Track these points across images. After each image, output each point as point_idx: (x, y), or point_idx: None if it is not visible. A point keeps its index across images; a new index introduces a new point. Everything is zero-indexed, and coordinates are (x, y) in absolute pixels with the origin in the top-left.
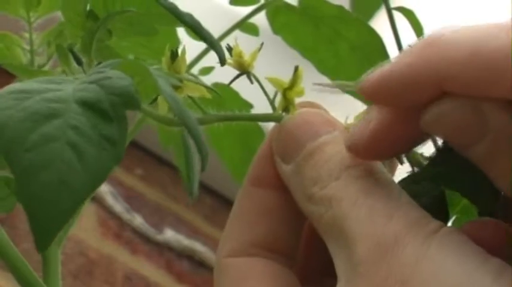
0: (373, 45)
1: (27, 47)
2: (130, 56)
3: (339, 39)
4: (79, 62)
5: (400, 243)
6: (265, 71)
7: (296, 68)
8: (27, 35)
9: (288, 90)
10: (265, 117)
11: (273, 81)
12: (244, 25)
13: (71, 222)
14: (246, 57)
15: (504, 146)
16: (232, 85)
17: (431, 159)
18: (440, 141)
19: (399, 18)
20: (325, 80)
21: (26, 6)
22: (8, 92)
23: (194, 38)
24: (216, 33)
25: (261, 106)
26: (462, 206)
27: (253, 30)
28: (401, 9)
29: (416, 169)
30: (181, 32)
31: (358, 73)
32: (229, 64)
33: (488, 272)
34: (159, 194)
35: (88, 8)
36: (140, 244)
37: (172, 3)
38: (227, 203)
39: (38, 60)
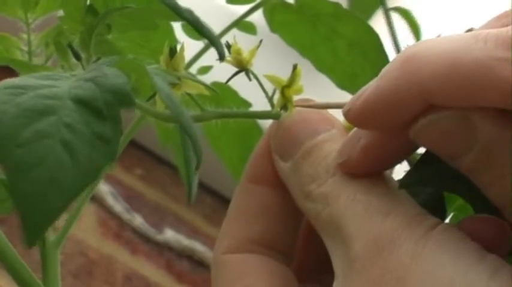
0: (370, 42)
1: (25, 48)
2: (129, 56)
3: (336, 36)
4: (78, 57)
5: (397, 240)
6: (263, 69)
7: (295, 67)
8: (25, 36)
9: (287, 88)
10: (264, 115)
11: (271, 79)
12: (242, 24)
13: (71, 222)
14: (245, 54)
15: (493, 156)
16: (231, 84)
17: (419, 160)
18: None
19: (397, 19)
20: (323, 77)
21: (23, 7)
22: (3, 87)
23: (192, 37)
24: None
25: (259, 105)
26: (459, 203)
27: (250, 28)
28: (398, 10)
29: None
30: (178, 31)
31: (356, 70)
32: (228, 61)
33: (484, 269)
34: (159, 194)
35: (88, 2)
36: (140, 244)
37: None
38: (227, 203)
39: (36, 61)
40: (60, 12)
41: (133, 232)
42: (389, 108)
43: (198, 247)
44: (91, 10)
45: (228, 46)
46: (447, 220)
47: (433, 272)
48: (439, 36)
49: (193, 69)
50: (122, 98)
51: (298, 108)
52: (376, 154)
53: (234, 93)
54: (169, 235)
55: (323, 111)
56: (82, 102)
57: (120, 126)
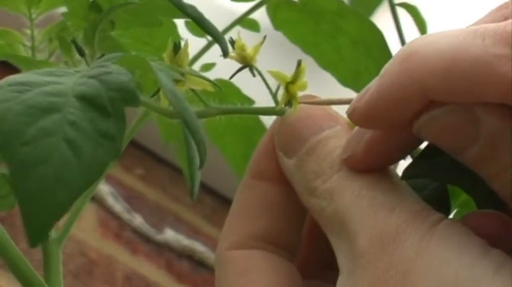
0: (373, 39)
1: (29, 44)
2: (133, 52)
3: (339, 34)
4: (81, 53)
5: (402, 235)
6: (265, 66)
7: (299, 62)
8: (28, 31)
9: (291, 84)
10: (268, 111)
11: (275, 75)
12: (245, 21)
13: (72, 221)
14: (249, 50)
15: (497, 149)
16: (233, 82)
17: (420, 153)
18: None
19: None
20: (326, 75)
21: (27, 3)
22: (7, 84)
23: (195, 35)
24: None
25: (262, 103)
26: (463, 199)
27: (253, 26)
28: (405, 5)
29: None
30: (182, 28)
31: (359, 68)
32: (232, 57)
33: (489, 264)
34: (159, 194)
35: None
36: (140, 244)
37: None
38: (227, 203)
39: (39, 56)
40: (64, 8)
41: (133, 232)
42: (392, 107)
43: (198, 247)
44: (95, 6)
45: (232, 42)
46: (450, 216)
47: (438, 266)
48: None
49: (196, 67)
50: (126, 95)
51: (302, 105)
52: (380, 149)
53: (237, 91)
54: (169, 235)
55: (327, 107)
56: (86, 100)
57: (124, 123)
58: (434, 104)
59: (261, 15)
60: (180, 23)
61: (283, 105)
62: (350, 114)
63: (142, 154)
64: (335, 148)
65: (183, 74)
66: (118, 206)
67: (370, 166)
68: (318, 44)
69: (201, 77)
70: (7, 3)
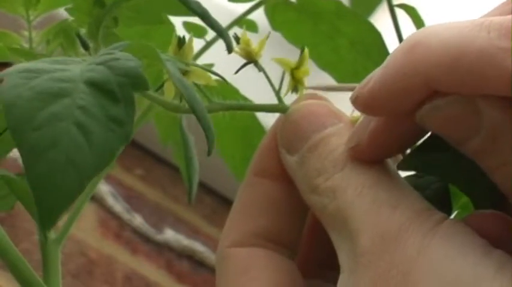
0: (372, 40)
1: (27, 45)
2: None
3: (337, 34)
4: (86, 47)
5: (404, 234)
6: (264, 66)
7: (302, 49)
8: (26, 33)
9: (295, 70)
10: (271, 108)
11: (280, 61)
12: (243, 22)
13: (71, 221)
14: (254, 45)
15: (498, 142)
16: (231, 82)
17: (420, 144)
18: None
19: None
20: (325, 75)
21: (25, 4)
22: (16, 71)
23: (194, 35)
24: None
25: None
26: (464, 201)
27: (252, 26)
28: (404, 6)
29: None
30: (180, 30)
31: (358, 68)
32: (237, 53)
33: (491, 264)
34: (159, 194)
35: None
36: (140, 244)
37: None
38: (227, 203)
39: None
40: (62, 10)
41: (133, 232)
42: (395, 95)
43: (198, 247)
44: (99, 2)
45: (237, 38)
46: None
47: (440, 266)
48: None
49: None
50: (135, 81)
51: (305, 102)
52: (384, 139)
53: (235, 91)
54: (169, 235)
55: (330, 105)
56: (95, 85)
57: (134, 108)
58: (437, 94)
59: (258, 16)
60: (178, 24)
61: (290, 91)
62: (354, 100)
63: (142, 154)
64: (337, 146)
65: (188, 66)
66: (118, 206)
67: (375, 155)
68: (316, 44)
69: (206, 70)
70: (5, 5)
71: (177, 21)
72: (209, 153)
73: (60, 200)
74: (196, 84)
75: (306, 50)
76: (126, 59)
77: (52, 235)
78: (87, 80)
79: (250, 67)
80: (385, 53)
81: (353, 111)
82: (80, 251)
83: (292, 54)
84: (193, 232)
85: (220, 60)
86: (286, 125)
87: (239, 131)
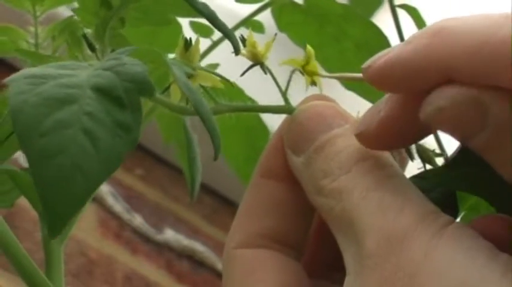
0: (378, 43)
1: (32, 41)
2: None
3: (344, 37)
4: (92, 49)
5: (410, 237)
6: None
7: (306, 47)
8: (32, 29)
9: (306, 66)
10: (277, 109)
11: (289, 62)
12: (250, 23)
13: (74, 220)
14: (260, 47)
15: (504, 138)
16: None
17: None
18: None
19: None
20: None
21: (31, 0)
22: (22, 77)
23: (200, 35)
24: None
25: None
26: (471, 203)
27: (258, 27)
28: (405, 7)
29: (427, 165)
30: (186, 29)
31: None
32: (243, 55)
33: (496, 268)
34: (159, 194)
35: None
36: (140, 244)
37: None
38: (227, 203)
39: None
40: (67, 7)
41: (133, 232)
42: (410, 74)
43: (198, 247)
44: (105, 3)
45: (243, 39)
46: (458, 219)
47: (445, 269)
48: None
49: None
50: (142, 86)
51: (311, 104)
52: (393, 127)
53: (241, 92)
54: (169, 235)
55: (337, 106)
56: (102, 91)
57: (140, 114)
58: (444, 90)
59: (264, 17)
60: (185, 24)
61: (309, 84)
62: (365, 69)
63: (142, 154)
64: (344, 147)
65: (194, 69)
66: (118, 206)
67: (381, 144)
68: (322, 46)
69: (212, 73)
70: (12, 1)
71: (184, 21)
72: (215, 157)
73: (68, 206)
74: (202, 86)
75: (309, 47)
76: (133, 64)
77: None
78: (93, 86)
79: (256, 69)
80: None
81: (358, 112)
82: (80, 251)
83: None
84: (193, 232)
85: (226, 61)
86: (293, 126)
87: (243, 131)
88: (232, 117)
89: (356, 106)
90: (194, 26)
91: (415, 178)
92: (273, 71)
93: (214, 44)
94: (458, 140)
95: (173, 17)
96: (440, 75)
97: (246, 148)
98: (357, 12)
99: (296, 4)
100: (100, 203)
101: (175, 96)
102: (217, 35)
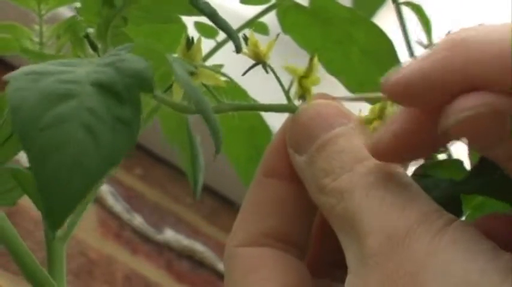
0: (383, 47)
1: (37, 40)
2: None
3: (348, 41)
4: (94, 48)
5: (412, 235)
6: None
7: (312, 57)
8: (37, 27)
9: (304, 79)
10: (280, 108)
11: (289, 69)
12: (254, 24)
13: (76, 219)
14: (262, 47)
15: None
16: (240, 84)
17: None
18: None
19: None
20: (333, 80)
21: None
22: (22, 73)
23: (204, 35)
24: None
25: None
26: (476, 202)
27: (263, 29)
28: (409, 4)
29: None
30: (190, 29)
31: (367, 75)
32: (245, 54)
33: (499, 268)
34: (159, 194)
35: None
36: (140, 244)
37: None
38: (227, 203)
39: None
40: (71, 7)
41: (133, 232)
42: (430, 86)
43: (198, 247)
44: (107, 2)
45: (246, 38)
46: (463, 218)
47: (448, 269)
48: (449, 32)
49: None
50: (141, 82)
51: (314, 103)
52: (406, 141)
53: (243, 92)
54: (169, 235)
55: (339, 105)
56: (102, 86)
57: (140, 110)
58: (462, 103)
59: (269, 19)
60: (189, 24)
61: (297, 100)
62: (384, 84)
63: (141, 153)
64: (346, 146)
65: (196, 68)
66: (118, 206)
67: (394, 157)
68: (326, 49)
69: (214, 71)
70: None
71: (189, 22)
72: (217, 152)
73: (67, 202)
74: (205, 85)
75: (316, 58)
76: (133, 61)
77: (58, 232)
78: (94, 81)
79: (259, 69)
80: (396, 61)
81: (360, 111)
82: (80, 251)
83: (299, 56)
84: (193, 232)
85: (230, 61)
86: (295, 125)
87: (245, 131)
88: (234, 117)
89: (358, 105)
90: (198, 27)
91: (416, 176)
92: (276, 71)
93: (219, 45)
94: (477, 150)
95: (177, 17)
96: (461, 86)
97: (248, 148)
98: (363, 15)
99: (301, 6)
100: (100, 203)
101: (177, 95)
102: (221, 36)
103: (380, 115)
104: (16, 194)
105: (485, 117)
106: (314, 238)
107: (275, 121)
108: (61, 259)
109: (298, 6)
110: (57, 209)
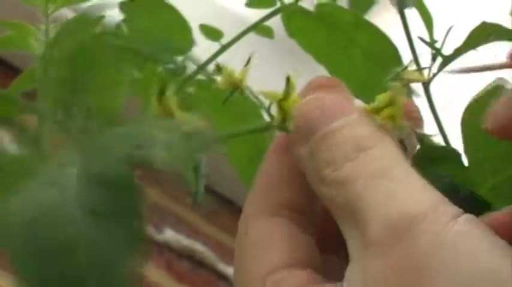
0: (387, 52)
1: (43, 39)
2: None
3: (353, 45)
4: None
5: (418, 227)
6: (274, 71)
7: (288, 79)
8: (43, 26)
9: (283, 101)
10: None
11: (267, 94)
12: (259, 28)
13: None
14: (237, 74)
15: None
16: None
17: None
18: None
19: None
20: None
21: None
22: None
23: (209, 38)
24: (226, 36)
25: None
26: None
27: (268, 32)
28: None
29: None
30: (195, 30)
31: (372, 80)
32: (222, 85)
33: (507, 263)
34: (159, 194)
35: None
36: None
37: None
38: (227, 203)
39: None
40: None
41: None
42: None
43: (198, 247)
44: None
45: (219, 68)
46: None
47: (456, 263)
48: (450, 28)
49: (208, 69)
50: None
51: (316, 94)
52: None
53: (256, 107)
54: (169, 235)
55: (342, 95)
56: (96, 215)
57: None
58: None
59: (273, 23)
60: (194, 25)
61: (276, 123)
62: (486, 127)
63: None
64: (347, 137)
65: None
66: None
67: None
68: (331, 53)
69: (190, 117)
70: None
71: (194, 23)
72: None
73: None
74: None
75: (292, 79)
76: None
77: None
78: (87, 210)
79: (259, 67)
80: (400, 64)
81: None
82: None
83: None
84: (193, 232)
85: (235, 63)
86: (297, 116)
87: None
88: (236, 119)
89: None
90: (203, 29)
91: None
92: (275, 76)
93: (224, 47)
94: None
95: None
96: None
97: (250, 149)
98: (368, 21)
99: (306, 11)
100: None
101: (156, 109)
102: (226, 38)
103: (392, 102)
104: None
105: None
106: (322, 216)
107: None
108: None
109: (304, 10)
110: None
